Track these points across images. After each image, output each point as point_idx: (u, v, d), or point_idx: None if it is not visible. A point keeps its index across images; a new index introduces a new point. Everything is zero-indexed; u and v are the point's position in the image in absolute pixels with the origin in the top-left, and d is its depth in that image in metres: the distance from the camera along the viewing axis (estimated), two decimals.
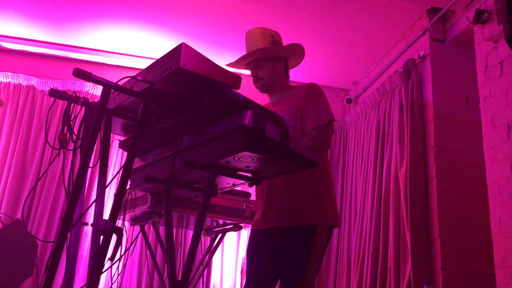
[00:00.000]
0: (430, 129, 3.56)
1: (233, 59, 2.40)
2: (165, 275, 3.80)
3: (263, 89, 2.38)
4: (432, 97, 3.59)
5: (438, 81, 3.64)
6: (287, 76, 2.43)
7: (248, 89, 2.38)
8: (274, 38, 2.37)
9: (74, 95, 1.80)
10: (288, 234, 2.15)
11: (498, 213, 2.78)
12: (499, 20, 2.83)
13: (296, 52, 2.43)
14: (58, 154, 1.64)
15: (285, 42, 2.44)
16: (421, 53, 3.77)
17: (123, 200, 1.61)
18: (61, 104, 4.52)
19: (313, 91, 2.26)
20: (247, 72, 2.44)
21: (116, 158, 4.54)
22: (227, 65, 2.41)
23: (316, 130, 2.16)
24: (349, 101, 4.94)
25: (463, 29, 3.52)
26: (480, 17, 3.09)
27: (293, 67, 2.49)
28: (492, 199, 2.86)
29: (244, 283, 2.29)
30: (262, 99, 2.45)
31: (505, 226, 2.70)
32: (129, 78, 1.70)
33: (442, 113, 3.56)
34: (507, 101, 2.83)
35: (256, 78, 2.35)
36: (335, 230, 4.45)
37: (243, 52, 2.37)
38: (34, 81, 4.60)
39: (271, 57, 2.34)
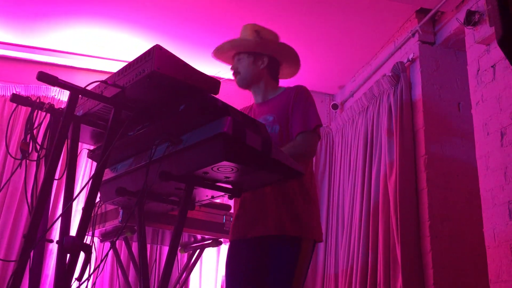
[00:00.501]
0: (421, 136, 3.60)
1: (214, 60, 2.43)
2: None
3: (240, 84, 2.40)
4: (422, 102, 3.64)
5: (428, 85, 3.69)
6: (274, 78, 2.43)
7: (228, 94, 2.39)
8: (260, 34, 2.39)
9: (38, 100, 1.77)
10: (272, 244, 2.15)
11: (492, 224, 2.82)
12: (491, 22, 2.89)
13: (286, 55, 2.43)
14: (20, 165, 1.62)
15: None
16: (410, 56, 3.82)
17: (92, 214, 1.59)
18: (24, 111, 4.46)
19: (301, 94, 2.28)
20: (227, 75, 2.46)
21: (85, 169, 4.49)
22: (212, 53, 2.44)
23: (302, 135, 2.18)
24: (335, 106, 4.98)
25: (454, 31, 3.58)
26: (471, 19, 3.15)
27: (288, 75, 2.51)
28: (485, 209, 2.90)
29: None
30: (244, 102, 2.46)
31: (500, 238, 2.74)
32: (99, 83, 1.68)
33: (432, 119, 3.61)
34: (500, 106, 2.88)
35: (234, 72, 2.39)
36: (321, 245, 4.46)
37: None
38: None
39: (252, 52, 2.36)
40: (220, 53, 2.43)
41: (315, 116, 2.23)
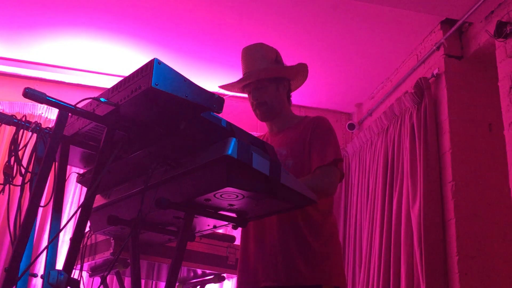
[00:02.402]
0: (447, 160, 3.59)
1: (217, 74, 2.43)
2: None
3: (266, 116, 2.36)
4: (449, 123, 3.63)
5: (455, 104, 3.69)
6: (290, 102, 2.44)
7: (233, 113, 2.40)
8: (277, 57, 2.39)
9: (23, 119, 1.79)
10: None
11: None
12: None
13: (301, 73, 2.44)
14: (3, 190, 1.63)
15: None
16: (435, 71, 3.84)
17: (81, 246, 1.59)
18: (8, 130, 4.50)
19: (321, 128, 2.26)
20: (232, 92, 2.45)
21: (74, 195, 4.50)
22: (220, 87, 2.41)
23: (321, 169, 2.14)
24: (352, 126, 4.99)
25: (483, 44, 3.59)
26: (502, 31, 3.17)
27: (294, 89, 2.51)
28: None
29: None
30: (250, 121, 2.46)
31: None
32: (90, 100, 1.70)
33: (460, 141, 3.60)
34: None
35: (258, 103, 2.32)
36: None
37: (226, 66, 2.40)
38: None
39: (274, 78, 2.34)
40: (234, 85, 2.38)
41: (335, 150, 2.20)
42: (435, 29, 3.95)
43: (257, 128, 2.48)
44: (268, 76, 2.32)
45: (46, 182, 1.59)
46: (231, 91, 2.47)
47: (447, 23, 3.85)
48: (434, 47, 3.89)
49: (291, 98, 2.45)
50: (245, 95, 2.44)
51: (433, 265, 3.40)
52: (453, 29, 3.77)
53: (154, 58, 1.53)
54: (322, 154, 2.18)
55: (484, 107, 3.73)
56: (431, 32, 4.00)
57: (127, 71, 1.63)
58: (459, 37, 3.86)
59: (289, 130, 2.34)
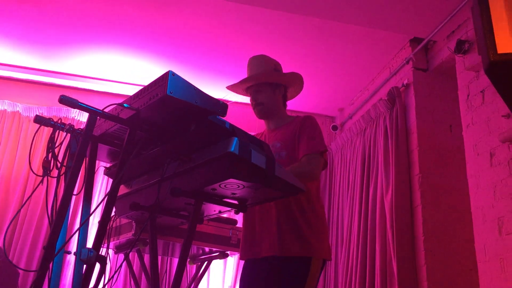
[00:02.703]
0: (415, 156, 3.60)
1: (222, 84, 2.44)
2: None
3: (262, 114, 2.39)
4: (416, 125, 3.64)
5: (422, 109, 3.70)
6: (285, 106, 2.46)
7: (235, 117, 2.40)
8: (276, 67, 2.42)
9: (59, 121, 1.79)
10: (283, 264, 2.13)
11: (483, 240, 2.79)
12: (479, 51, 2.91)
13: (296, 82, 2.46)
14: (42, 181, 1.63)
15: None
16: (405, 82, 3.84)
17: (108, 227, 1.59)
18: (46, 131, 4.50)
19: (308, 122, 2.29)
20: (234, 99, 2.47)
21: (101, 185, 4.50)
22: (227, 87, 2.44)
23: (307, 156, 2.17)
24: (335, 128, 4.99)
25: (445, 59, 3.60)
26: (461, 47, 3.17)
27: (290, 98, 2.53)
28: (476, 226, 2.88)
29: None
30: (253, 126, 2.47)
31: (490, 253, 2.72)
32: (115, 105, 1.70)
33: (426, 140, 3.61)
34: (489, 129, 2.88)
35: (256, 103, 2.37)
36: None
37: (230, 77, 2.41)
38: (19, 107, 4.57)
39: (272, 84, 2.37)
40: (237, 85, 2.41)
41: (321, 141, 2.21)
42: (405, 46, 3.95)
43: (255, 129, 2.48)
44: (265, 80, 2.35)
45: (78, 175, 1.59)
46: (236, 92, 2.49)
47: (415, 41, 3.86)
48: (404, 61, 3.89)
49: (286, 102, 2.47)
50: (246, 102, 2.45)
51: (403, 244, 3.41)
52: (420, 46, 3.77)
53: (169, 70, 1.53)
54: (308, 144, 2.19)
55: (445, 112, 3.73)
56: (402, 48, 4.00)
57: (146, 81, 1.63)
58: (425, 52, 3.87)
59: (283, 127, 2.36)
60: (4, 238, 4.11)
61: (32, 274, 3.99)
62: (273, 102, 2.37)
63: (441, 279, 3.26)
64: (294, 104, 4.78)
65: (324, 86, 4.67)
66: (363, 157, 4.18)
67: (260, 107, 2.36)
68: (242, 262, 2.36)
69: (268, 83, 2.36)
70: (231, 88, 2.44)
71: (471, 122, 3.06)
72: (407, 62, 3.87)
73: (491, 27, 0.98)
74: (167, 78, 1.52)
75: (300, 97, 2.60)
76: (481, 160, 2.91)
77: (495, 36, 0.96)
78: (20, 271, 3.82)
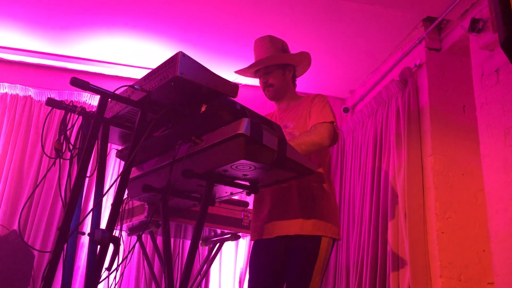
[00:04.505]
0: (427, 137, 3.56)
1: (233, 66, 2.43)
2: (163, 285, 3.77)
3: (273, 96, 2.38)
4: (429, 105, 3.60)
5: (435, 89, 3.65)
6: (295, 85, 2.47)
7: (246, 99, 2.39)
8: (283, 46, 2.40)
9: (71, 104, 1.80)
10: (293, 243, 2.15)
11: (496, 220, 2.77)
12: (494, 29, 2.85)
13: (304, 61, 2.44)
14: (54, 163, 1.64)
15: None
16: (417, 62, 3.78)
17: (121, 209, 1.60)
18: (58, 114, 4.52)
19: (317, 99, 2.30)
20: (245, 81, 2.46)
21: (114, 167, 4.53)
22: (236, 72, 2.43)
23: (315, 126, 2.16)
24: (346, 110, 4.95)
25: (459, 38, 3.53)
26: (475, 26, 3.11)
27: (299, 75, 2.52)
28: (489, 206, 2.86)
29: None
30: (264, 109, 2.46)
31: (503, 233, 2.70)
32: (126, 87, 1.70)
33: (438, 121, 3.57)
34: (503, 108, 2.84)
35: (266, 85, 2.36)
36: None
37: (242, 59, 2.40)
38: (31, 92, 4.60)
39: (281, 65, 2.36)
40: (247, 70, 2.40)
41: (329, 113, 2.21)
42: (418, 25, 3.88)
43: (266, 110, 2.47)
44: (274, 62, 2.34)
45: (90, 157, 1.60)
46: (246, 76, 2.48)
47: (428, 20, 3.78)
48: (417, 41, 3.83)
49: (296, 82, 2.46)
50: (256, 84, 2.45)
51: (415, 225, 3.40)
52: (433, 25, 3.70)
53: (179, 51, 1.52)
54: (317, 116, 2.20)
55: (458, 92, 3.68)
56: (414, 28, 3.93)
57: (157, 64, 1.62)
58: (438, 32, 3.80)
59: (294, 107, 2.36)
60: (19, 220, 4.18)
61: (47, 255, 4.05)
62: (283, 83, 2.37)
63: (453, 260, 3.25)
64: (305, 86, 4.73)
65: (335, 67, 4.62)
66: (374, 139, 4.15)
67: (271, 89, 2.36)
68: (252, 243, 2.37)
69: (277, 65, 2.35)
70: (240, 72, 2.43)
71: (485, 101, 3.02)
72: (420, 42, 3.81)
73: (508, 1, 0.96)
74: (178, 59, 1.51)
75: (310, 79, 2.58)
76: (495, 140, 2.87)
77: None
78: (36, 252, 3.89)
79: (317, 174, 2.15)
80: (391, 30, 3.97)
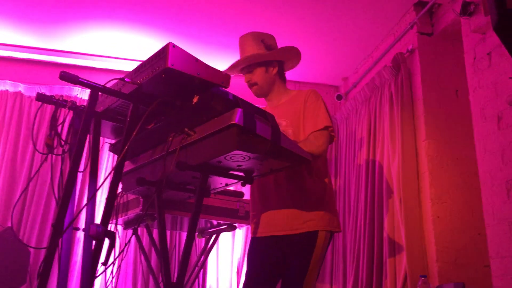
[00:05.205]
0: (421, 122, 3.57)
1: (223, 56, 2.42)
2: (160, 278, 3.77)
3: (258, 94, 2.39)
4: (422, 91, 3.60)
5: (427, 74, 3.65)
6: (283, 79, 2.43)
7: (240, 89, 2.38)
8: (265, 42, 2.37)
9: (61, 99, 1.78)
10: (290, 241, 2.16)
11: (491, 203, 2.79)
12: (486, 11, 2.84)
13: (290, 55, 2.42)
14: (46, 158, 1.63)
15: (277, 41, 2.44)
16: (410, 47, 3.78)
17: (115, 203, 1.59)
18: (50, 109, 4.49)
19: (311, 97, 2.27)
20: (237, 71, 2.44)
21: (107, 161, 4.51)
22: (223, 72, 2.41)
23: (314, 134, 2.16)
24: (339, 97, 4.95)
25: (451, 22, 3.53)
26: (466, 9, 3.10)
27: (289, 69, 2.50)
28: (484, 190, 2.87)
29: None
30: (257, 99, 2.45)
31: (498, 216, 2.72)
32: (117, 80, 1.68)
33: (432, 106, 3.57)
34: (496, 92, 2.85)
35: (250, 84, 2.37)
36: None
37: (232, 50, 2.39)
38: (21, 87, 4.56)
39: (263, 62, 2.35)
40: (231, 69, 2.40)
41: (325, 116, 2.20)
42: (409, 10, 3.87)
43: (258, 101, 2.46)
44: (255, 61, 2.33)
45: (83, 151, 1.59)
46: (231, 74, 2.47)
47: (419, 5, 3.77)
48: (409, 26, 3.82)
49: (285, 76, 2.44)
50: None
51: (410, 211, 3.41)
52: (424, 10, 3.69)
53: (169, 42, 1.51)
54: (314, 121, 2.19)
55: (451, 76, 3.68)
56: (406, 13, 3.92)
57: (147, 56, 1.61)
58: (429, 16, 3.79)
59: (286, 103, 2.34)
60: (12, 216, 4.16)
61: (43, 251, 4.04)
62: (267, 81, 2.36)
63: (449, 245, 3.27)
64: (297, 75, 4.73)
65: (327, 55, 4.61)
66: (368, 126, 4.16)
67: (255, 87, 2.37)
68: (249, 235, 2.39)
69: (258, 62, 2.34)
70: (227, 71, 2.42)
71: (478, 85, 3.02)
72: (412, 27, 3.80)
73: None
74: (168, 50, 1.49)
75: (303, 68, 2.57)
76: (488, 124, 2.88)
77: None
78: (31, 249, 3.88)
79: (309, 167, 2.16)
80: (382, 16, 3.96)
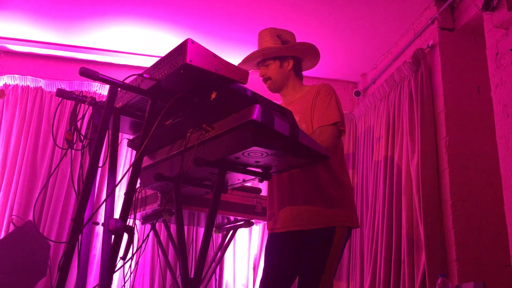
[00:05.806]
0: (441, 119, 3.52)
1: (242, 53, 2.42)
2: (178, 273, 3.80)
3: (271, 88, 2.39)
4: (442, 87, 3.55)
5: (448, 71, 3.60)
6: (299, 76, 2.41)
7: (258, 85, 2.38)
8: (281, 37, 2.36)
9: (81, 94, 1.80)
10: (307, 237, 2.14)
11: None
12: (509, 6, 2.79)
13: (308, 51, 2.40)
14: (65, 154, 1.65)
15: (296, 38, 2.42)
16: (430, 43, 3.72)
17: (134, 199, 1.61)
18: (69, 105, 4.54)
19: (323, 91, 2.24)
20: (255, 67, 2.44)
21: (126, 157, 4.55)
22: (238, 65, 2.41)
23: (320, 129, 2.13)
24: (357, 93, 4.91)
25: (472, 17, 3.47)
26: (489, 4, 3.04)
27: (309, 67, 2.49)
28: (506, 188, 2.82)
29: (260, 284, 2.29)
30: (274, 95, 2.44)
31: None
32: (136, 76, 1.69)
33: (452, 103, 3.52)
34: None
35: (264, 78, 2.37)
36: None
37: (250, 46, 2.38)
38: (41, 83, 4.62)
39: (278, 57, 2.34)
40: (245, 62, 2.40)
41: (335, 112, 2.16)
42: (430, 5, 3.81)
43: (276, 96, 2.45)
44: (269, 55, 2.33)
45: (102, 147, 1.60)
46: (247, 69, 2.46)
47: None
48: (429, 21, 3.76)
49: (300, 72, 2.42)
50: None
51: (430, 208, 3.37)
52: (446, 4, 3.64)
53: (188, 38, 1.51)
54: (322, 116, 2.16)
55: (472, 72, 3.62)
56: (426, 8, 3.86)
57: (166, 51, 1.61)
58: (451, 11, 3.73)
59: (300, 99, 2.33)
60: (33, 211, 4.23)
61: (63, 245, 4.10)
62: (281, 76, 2.35)
63: (469, 243, 3.23)
64: (315, 71, 4.68)
65: (346, 50, 4.57)
66: (387, 122, 4.12)
67: (269, 82, 2.37)
68: (266, 231, 2.38)
69: (274, 57, 2.34)
70: (242, 65, 2.41)
71: (500, 82, 2.96)
72: (432, 22, 3.74)
73: None
74: (186, 46, 1.49)
75: (321, 63, 2.54)
76: (511, 121, 2.83)
77: None
78: (51, 243, 3.94)
79: (326, 163, 2.14)
80: (402, 11, 3.91)
